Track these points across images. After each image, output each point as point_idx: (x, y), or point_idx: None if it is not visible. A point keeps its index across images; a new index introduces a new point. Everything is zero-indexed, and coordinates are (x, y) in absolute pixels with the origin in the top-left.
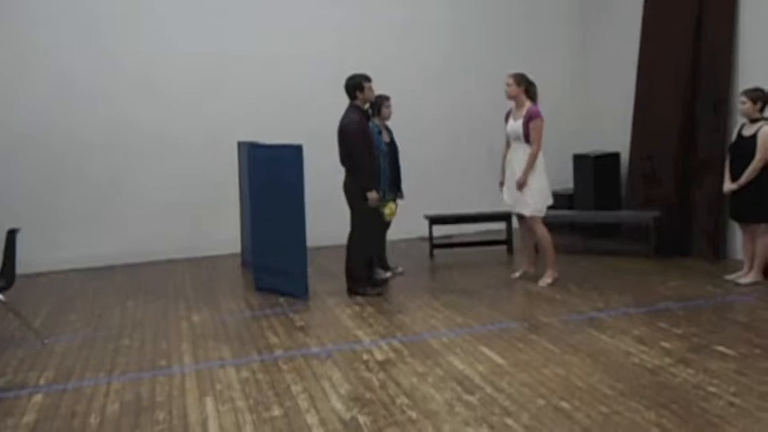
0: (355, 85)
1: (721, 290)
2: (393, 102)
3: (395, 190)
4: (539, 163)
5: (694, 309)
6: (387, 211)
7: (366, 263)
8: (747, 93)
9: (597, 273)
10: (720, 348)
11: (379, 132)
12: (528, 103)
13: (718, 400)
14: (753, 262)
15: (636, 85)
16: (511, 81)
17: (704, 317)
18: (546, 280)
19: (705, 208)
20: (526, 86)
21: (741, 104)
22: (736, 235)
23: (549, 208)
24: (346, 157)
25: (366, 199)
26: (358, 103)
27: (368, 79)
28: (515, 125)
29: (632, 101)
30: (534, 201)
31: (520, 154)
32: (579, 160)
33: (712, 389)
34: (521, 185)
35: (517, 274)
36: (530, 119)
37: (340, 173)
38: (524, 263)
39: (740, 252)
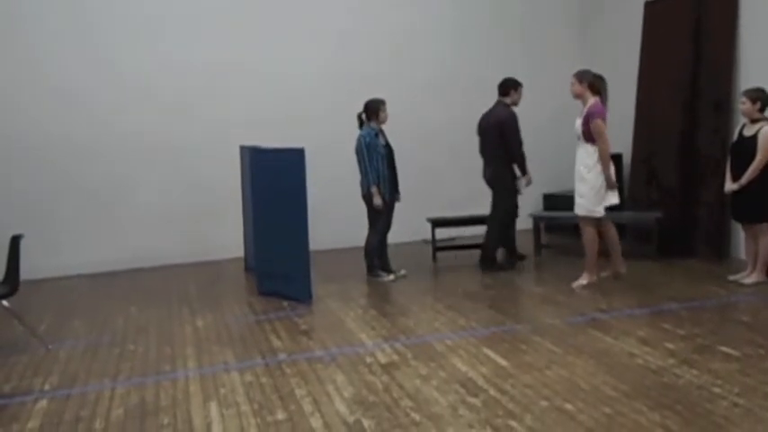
0: (513, 83)
1: (725, 290)
2: (395, 105)
3: (393, 192)
4: (599, 163)
5: (698, 309)
6: None
7: (499, 245)
8: (747, 93)
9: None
10: (724, 349)
11: (376, 135)
12: (592, 100)
13: (723, 401)
14: (756, 262)
15: (637, 85)
16: (573, 80)
17: (708, 317)
18: (581, 282)
19: (707, 208)
20: (590, 82)
21: (741, 105)
22: (739, 235)
23: (611, 208)
24: (498, 147)
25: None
26: (508, 100)
27: (521, 84)
28: (577, 123)
29: (633, 102)
30: (586, 200)
31: (581, 152)
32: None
33: (716, 389)
34: (611, 187)
35: (604, 274)
36: (588, 118)
37: (341, 176)
38: (611, 263)
39: (743, 252)
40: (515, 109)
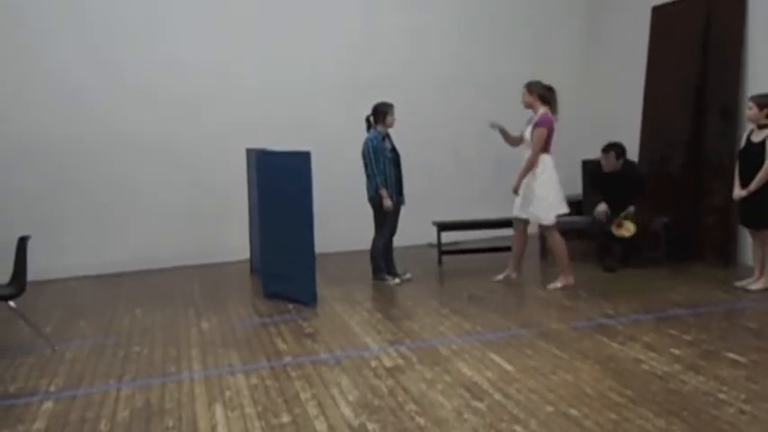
0: None
1: (731, 296)
2: (401, 108)
3: (398, 196)
4: (546, 171)
5: (704, 315)
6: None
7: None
8: (755, 98)
9: (606, 279)
10: (731, 355)
11: (383, 139)
12: (542, 110)
13: (729, 408)
14: (763, 268)
15: (644, 90)
16: (524, 90)
17: (714, 323)
18: (556, 284)
19: (715, 214)
20: (540, 93)
21: (748, 110)
22: (747, 241)
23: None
24: None
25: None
26: None
27: None
28: (526, 131)
29: (641, 105)
30: (539, 210)
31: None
32: (588, 166)
33: (723, 396)
34: (514, 190)
35: (500, 277)
36: (535, 126)
37: (347, 179)
38: (509, 266)
39: (750, 258)
40: None
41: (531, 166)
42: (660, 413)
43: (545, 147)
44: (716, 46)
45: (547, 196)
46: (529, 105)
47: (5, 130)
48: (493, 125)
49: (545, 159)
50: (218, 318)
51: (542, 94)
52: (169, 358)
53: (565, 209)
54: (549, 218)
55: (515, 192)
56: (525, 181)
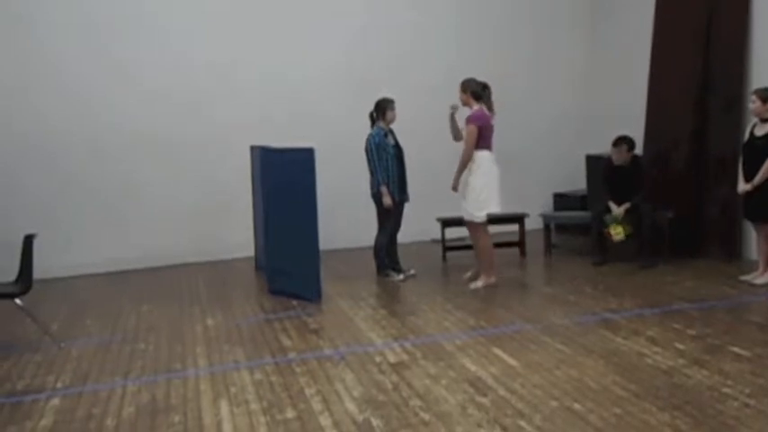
0: None
1: (736, 290)
2: (405, 105)
3: (402, 193)
4: (482, 167)
5: (708, 309)
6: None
7: None
8: (758, 92)
9: (610, 274)
10: (735, 349)
11: (386, 135)
12: (475, 107)
13: (733, 402)
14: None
15: (648, 84)
16: (459, 90)
17: (718, 318)
18: (477, 284)
19: (719, 208)
20: (473, 90)
21: (751, 104)
22: (751, 235)
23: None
24: None
25: None
26: None
27: None
28: (464, 128)
29: (645, 100)
30: (470, 206)
31: None
32: (592, 161)
33: (727, 390)
34: (453, 188)
35: (469, 274)
36: (466, 123)
37: (351, 175)
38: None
39: (755, 252)
40: None
41: (464, 162)
42: (664, 407)
43: (480, 143)
44: (719, 39)
45: (480, 193)
46: (465, 103)
47: (11, 128)
48: (453, 108)
49: (483, 156)
50: (224, 314)
51: (475, 90)
52: (174, 355)
53: (497, 208)
54: (479, 216)
55: (454, 189)
56: (462, 177)
